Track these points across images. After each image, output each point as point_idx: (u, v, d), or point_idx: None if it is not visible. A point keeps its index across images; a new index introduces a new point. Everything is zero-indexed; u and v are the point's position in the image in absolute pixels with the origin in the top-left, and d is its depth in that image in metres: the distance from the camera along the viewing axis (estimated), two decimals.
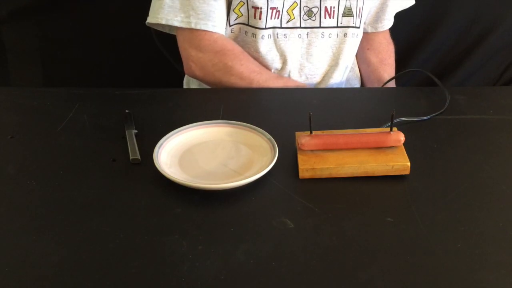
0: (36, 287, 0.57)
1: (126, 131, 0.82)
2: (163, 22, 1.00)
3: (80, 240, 0.63)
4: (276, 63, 1.08)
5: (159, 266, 0.59)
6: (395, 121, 0.77)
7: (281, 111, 0.92)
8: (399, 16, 1.22)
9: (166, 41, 1.09)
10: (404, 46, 1.46)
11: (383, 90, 1.11)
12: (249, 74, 1.01)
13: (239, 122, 0.82)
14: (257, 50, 1.05)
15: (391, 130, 0.77)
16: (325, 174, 0.73)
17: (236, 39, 1.06)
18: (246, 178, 0.70)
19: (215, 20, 1.00)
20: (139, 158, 0.76)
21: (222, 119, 0.85)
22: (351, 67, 1.20)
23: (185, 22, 1.00)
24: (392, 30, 1.25)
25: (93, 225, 0.65)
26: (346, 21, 1.05)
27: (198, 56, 1.02)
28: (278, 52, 1.06)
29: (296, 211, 0.68)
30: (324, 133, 0.78)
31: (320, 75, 1.12)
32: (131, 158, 0.76)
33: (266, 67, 1.08)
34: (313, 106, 0.93)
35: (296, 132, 0.80)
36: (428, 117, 0.87)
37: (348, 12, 1.05)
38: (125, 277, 0.58)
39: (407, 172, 0.73)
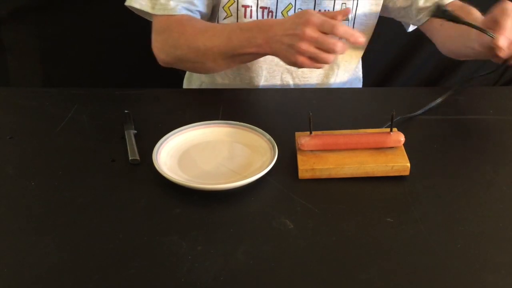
0: (35, 287, 0.57)
1: (125, 132, 0.82)
2: (137, 6, 0.98)
3: (80, 240, 0.63)
4: (266, 65, 1.07)
5: (158, 266, 0.59)
6: (395, 119, 0.77)
7: (281, 111, 0.92)
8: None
9: None
10: (404, 46, 1.46)
11: (383, 90, 1.11)
12: (194, 37, 0.94)
13: (238, 123, 0.82)
14: None
15: (391, 130, 0.76)
16: (324, 174, 0.73)
17: None
18: (246, 178, 0.70)
19: (180, 4, 0.96)
20: (138, 158, 0.76)
21: (221, 119, 0.85)
22: (353, 72, 1.18)
23: (156, 9, 0.96)
24: (391, 30, 1.24)
25: (93, 225, 0.65)
26: None
27: (157, 40, 0.99)
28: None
29: (296, 211, 0.68)
30: (324, 134, 0.78)
31: (315, 78, 1.11)
32: (130, 158, 0.76)
33: (256, 69, 1.06)
34: (313, 106, 0.93)
35: (296, 133, 0.80)
36: (432, 105, 0.86)
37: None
38: (125, 277, 0.58)
39: (407, 172, 0.73)
